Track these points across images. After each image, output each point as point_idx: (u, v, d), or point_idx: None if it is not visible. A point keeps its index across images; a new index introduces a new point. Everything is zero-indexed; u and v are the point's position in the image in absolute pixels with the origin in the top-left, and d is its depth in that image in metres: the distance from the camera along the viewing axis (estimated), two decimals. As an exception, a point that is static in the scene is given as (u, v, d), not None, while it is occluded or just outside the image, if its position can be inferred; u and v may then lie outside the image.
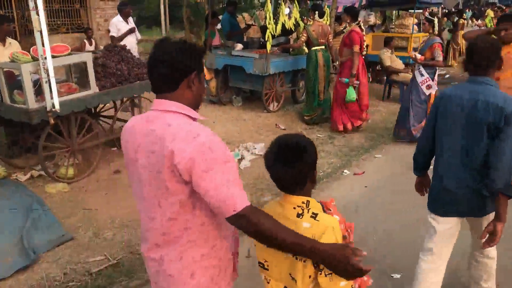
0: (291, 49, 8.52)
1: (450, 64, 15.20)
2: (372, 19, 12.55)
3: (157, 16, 22.46)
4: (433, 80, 6.56)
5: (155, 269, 1.76)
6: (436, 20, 7.21)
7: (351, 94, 6.88)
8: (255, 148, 6.17)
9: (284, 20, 7.62)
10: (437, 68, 6.64)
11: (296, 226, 1.68)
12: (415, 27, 11.76)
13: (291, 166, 1.71)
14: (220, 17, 9.37)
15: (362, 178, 5.50)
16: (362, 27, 7.10)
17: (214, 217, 1.69)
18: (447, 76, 13.44)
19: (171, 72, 1.65)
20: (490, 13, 13.02)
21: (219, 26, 9.15)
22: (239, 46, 8.06)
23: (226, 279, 1.82)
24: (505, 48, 4.15)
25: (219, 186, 1.52)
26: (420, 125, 6.54)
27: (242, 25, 10.86)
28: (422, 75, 6.55)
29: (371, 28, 12.46)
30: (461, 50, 15.32)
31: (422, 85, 6.51)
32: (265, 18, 7.60)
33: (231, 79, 8.19)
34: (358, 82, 6.95)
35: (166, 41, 1.69)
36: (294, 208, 1.76)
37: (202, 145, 1.52)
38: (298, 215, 1.74)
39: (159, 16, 21.91)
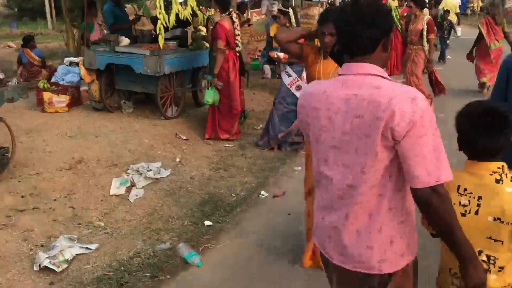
0: (189, 43, 7.33)
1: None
2: (276, 8, 11.69)
3: (41, 7, 20.10)
4: (301, 78, 5.74)
5: (343, 242, 1.70)
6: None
7: (209, 96, 5.99)
8: (150, 170, 4.91)
9: (178, 10, 6.37)
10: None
11: (497, 192, 1.78)
12: (321, 17, 11.13)
13: (499, 132, 1.79)
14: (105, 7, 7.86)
15: (283, 201, 4.51)
16: (234, 19, 6.10)
17: (405, 186, 1.64)
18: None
19: (372, 33, 1.62)
20: (392, 3, 12.81)
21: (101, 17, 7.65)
22: (125, 40, 6.66)
23: (416, 247, 1.78)
24: (325, 64, 3.11)
25: (428, 153, 1.51)
26: (288, 130, 5.78)
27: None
28: (289, 75, 5.77)
29: (275, 18, 11.61)
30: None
31: (291, 87, 5.73)
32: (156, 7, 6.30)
33: (117, 80, 6.77)
34: (222, 84, 6.00)
35: (360, 2, 1.65)
36: (491, 174, 1.82)
37: (421, 109, 1.51)
38: (497, 181, 1.80)
39: (44, 7, 19.61)
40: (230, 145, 6.05)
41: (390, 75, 11.48)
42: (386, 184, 1.62)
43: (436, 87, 7.10)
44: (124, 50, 6.47)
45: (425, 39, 6.82)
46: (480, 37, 8.61)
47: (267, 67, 11.12)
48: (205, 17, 7.42)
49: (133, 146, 5.67)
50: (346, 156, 1.64)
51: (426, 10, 7.02)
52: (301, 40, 3.27)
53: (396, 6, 11.18)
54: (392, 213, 1.65)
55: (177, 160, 5.46)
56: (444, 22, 12.63)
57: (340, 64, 1.81)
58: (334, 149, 1.66)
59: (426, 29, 6.81)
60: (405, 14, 11.05)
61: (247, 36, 10.41)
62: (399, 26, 11.07)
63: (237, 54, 6.28)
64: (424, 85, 7.15)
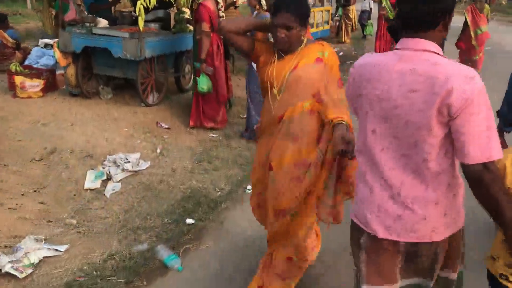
0: (172, 26, 6.96)
1: (343, 40, 14.62)
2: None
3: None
4: None
5: (396, 213, 1.70)
6: None
7: (202, 83, 5.59)
8: (128, 162, 4.58)
9: (160, -11, 5.98)
10: None
11: None
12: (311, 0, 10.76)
13: None
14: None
15: (271, 196, 4.23)
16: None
17: (455, 161, 1.68)
18: (341, 53, 12.78)
19: (435, 10, 1.63)
20: None
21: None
22: (103, 22, 6.25)
23: (463, 216, 1.81)
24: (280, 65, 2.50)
25: (482, 131, 1.54)
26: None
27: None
28: None
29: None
30: (354, 25, 14.81)
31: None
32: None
33: (95, 65, 6.36)
34: (212, 69, 5.63)
35: None
36: None
37: (478, 88, 1.54)
38: None
39: (23, -15, 18.83)
40: (214, 135, 5.72)
41: (379, 62, 11.25)
42: (441, 160, 1.65)
43: None
44: (102, 32, 6.06)
45: None
46: (466, 24, 8.64)
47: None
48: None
49: (111, 135, 5.32)
50: (397, 129, 1.67)
51: None
52: (258, 35, 2.81)
53: (386, -10, 10.86)
54: (447, 187, 1.69)
55: (158, 151, 5.13)
56: None
57: (396, 40, 1.79)
58: (385, 121, 1.69)
59: None
60: None
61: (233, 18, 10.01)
62: (391, 12, 10.77)
63: (221, 37, 5.92)
64: None
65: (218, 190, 4.31)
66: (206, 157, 5.06)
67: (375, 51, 11.08)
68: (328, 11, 11.79)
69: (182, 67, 7.13)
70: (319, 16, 10.78)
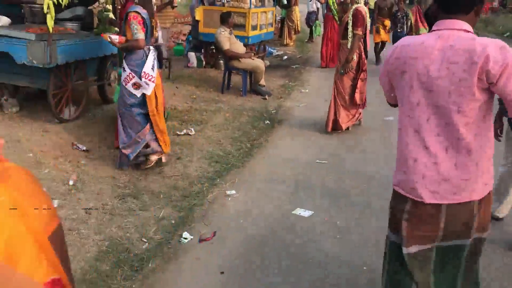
0: (95, 26, 5.90)
1: (285, 43, 13.97)
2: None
3: None
4: (142, 75, 4.27)
5: (441, 178, 1.87)
6: None
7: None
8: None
9: (76, -19, 4.92)
10: (150, 54, 4.32)
11: None
12: (255, 0, 9.96)
13: None
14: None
15: (214, 248, 3.35)
16: None
17: (490, 124, 1.92)
18: (285, 57, 12.11)
19: None
20: None
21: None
22: (3, 19, 5.08)
23: (493, 179, 2.00)
24: None
25: None
26: (133, 140, 4.40)
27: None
28: (124, 70, 4.32)
29: (201, 1, 10.27)
30: (297, 27, 14.19)
31: (125, 84, 4.28)
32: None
33: (-6, 72, 5.19)
34: None
35: None
36: None
37: (511, 54, 1.76)
38: None
39: None
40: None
41: (325, 67, 10.69)
42: (481, 124, 1.86)
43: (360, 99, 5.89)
44: (1, 32, 4.89)
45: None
46: (411, 24, 9.68)
47: (192, 55, 9.80)
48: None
49: (13, 161, 4.21)
50: (440, 99, 1.86)
51: None
52: None
53: (333, -8, 10.28)
54: (484, 149, 1.89)
55: (70, 182, 4.10)
56: (398, 13, 10.38)
57: (431, 26, 2.00)
58: (429, 92, 1.88)
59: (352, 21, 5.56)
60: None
61: (169, 20, 9.01)
62: (336, 14, 10.20)
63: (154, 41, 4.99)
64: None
65: (145, 240, 3.37)
66: (133, 190, 4.10)
67: (322, 56, 10.49)
68: (273, 12, 11.05)
69: (107, 74, 6.09)
70: (263, 17, 10.00)
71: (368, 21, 5.63)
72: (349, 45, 5.58)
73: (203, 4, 9.94)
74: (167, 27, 8.86)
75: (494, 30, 18.78)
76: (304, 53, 12.92)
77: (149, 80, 4.26)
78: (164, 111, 5.35)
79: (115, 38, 4.32)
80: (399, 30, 10.16)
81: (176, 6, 10.13)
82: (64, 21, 5.81)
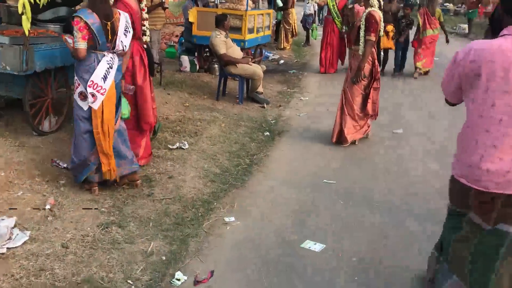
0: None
1: (282, 47, 13.51)
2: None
3: None
4: (91, 87, 3.67)
5: (504, 170, 2.08)
6: None
7: (124, 107, 4.09)
8: (-8, 237, 3.01)
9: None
10: (102, 61, 3.71)
11: None
12: (250, 2, 9.48)
13: None
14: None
15: (211, 289, 2.86)
16: None
17: None
18: (281, 62, 11.65)
19: None
20: None
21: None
22: (-27, 20, 4.57)
23: None
24: None
25: None
26: (82, 161, 3.82)
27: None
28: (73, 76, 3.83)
29: (195, 2, 9.79)
30: (294, 30, 13.73)
31: (74, 93, 3.81)
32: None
33: (-35, 79, 4.66)
34: (132, 88, 4.28)
35: None
36: None
37: None
38: None
39: None
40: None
41: (324, 73, 10.24)
42: None
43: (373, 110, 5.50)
44: (-29, 35, 4.37)
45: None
46: (418, 25, 9.58)
47: (185, 59, 9.29)
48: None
49: (-21, 184, 3.70)
50: None
51: (375, 1, 5.18)
52: None
53: (334, -6, 9.86)
54: None
55: (47, 207, 3.59)
56: (403, 20, 9.48)
57: (495, 31, 2.09)
58: (505, 94, 2.04)
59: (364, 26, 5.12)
60: (347, 4, 9.75)
61: (161, 20, 8.49)
62: (337, 17, 9.77)
63: (145, 46, 4.50)
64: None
65: (131, 283, 2.87)
66: (118, 217, 3.59)
67: (320, 61, 10.04)
68: (269, 14, 10.58)
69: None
70: (259, 20, 9.54)
71: (382, 26, 5.17)
72: (361, 52, 5.12)
73: (197, 5, 9.47)
74: (158, 28, 8.35)
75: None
76: (301, 57, 12.48)
77: (97, 91, 3.66)
78: (155, 123, 4.89)
79: (70, 41, 3.82)
80: (399, 40, 9.40)
81: (167, 7, 9.67)
82: (45, 22, 5.30)
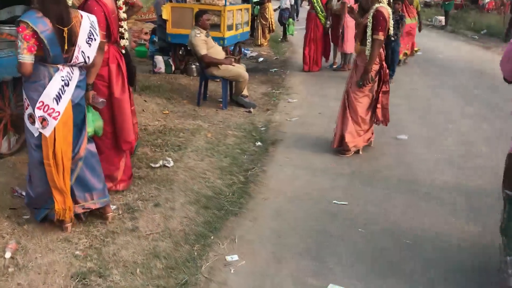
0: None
1: (259, 43, 12.93)
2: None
3: None
4: (41, 109, 2.96)
5: None
6: None
7: (91, 121, 3.38)
8: None
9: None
10: (55, 76, 2.99)
11: None
12: (229, -4, 8.84)
13: None
14: None
15: None
16: None
17: None
18: (261, 59, 11.07)
19: None
20: None
21: None
22: None
23: None
24: None
25: None
26: (37, 196, 3.21)
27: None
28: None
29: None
30: (271, 26, 13.15)
31: (24, 114, 3.11)
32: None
33: None
34: (103, 101, 3.47)
35: None
36: None
37: None
38: None
39: None
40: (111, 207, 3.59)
41: (308, 71, 9.69)
42: None
43: (382, 116, 5.01)
44: None
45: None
46: None
47: (159, 59, 8.59)
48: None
49: None
50: None
51: None
52: None
53: (316, -12, 9.30)
54: None
55: (7, 255, 2.91)
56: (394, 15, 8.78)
57: None
58: None
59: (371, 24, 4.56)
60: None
61: (130, 18, 7.76)
62: (320, 12, 9.24)
63: (123, 51, 3.83)
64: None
65: None
66: (96, 263, 2.95)
67: (304, 58, 9.49)
68: (248, 9, 9.97)
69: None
70: (238, 16, 8.91)
71: (392, 23, 4.63)
72: (368, 52, 4.58)
73: (170, 1, 8.76)
74: (129, 26, 7.62)
75: (466, 27, 18.35)
76: (280, 54, 11.92)
77: (48, 114, 2.95)
78: (136, 140, 4.22)
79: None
80: (392, 38, 8.60)
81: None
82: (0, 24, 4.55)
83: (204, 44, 6.42)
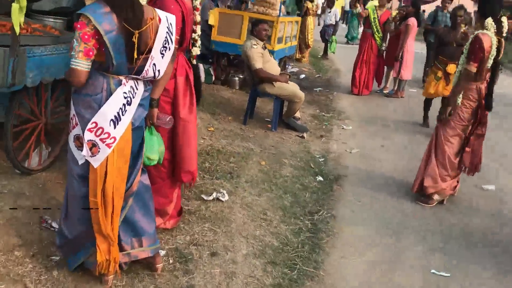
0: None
1: (296, 57, 12.21)
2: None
3: None
4: (93, 132, 2.29)
5: None
6: None
7: (150, 148, 2.70)
8: None
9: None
10: (118, 91, 2.33)
11: None
12: (283, 7, 8.19)
13: None
14: None
15: None
16: None
17: None
18: (303, 76, 10.36)
19: None
20: (371, 3, 10.40)
21: None
22: None
23: None
24: None
25: None
26: (73, 239, 2.52)
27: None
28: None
29: (215, 2, 8.46)
30: (307, 41, 12.42)
31: (70, 133, 2.44)
32: None
33: None
34: (170, 119, 2.82)
35: None
36: None
37: None
38: None
39: None
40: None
41: (358, 94, 8.97)
42: None
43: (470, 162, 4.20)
44: None
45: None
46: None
47: (200, 67, 7.93)
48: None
49: None
50: None
51: (490, 22, 3.85)
52: None
53: (376, 7, 8.61)
54: None
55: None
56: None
57: None
58: None
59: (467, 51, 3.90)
60: (390, 18, 8.51)
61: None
62: (377, 32, 8.52)
63: (193, 61, 3.18)
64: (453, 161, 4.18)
65: None
66: None
67: (354, 80, 8.77)
68: (298, 22, 9.31)
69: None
70: (288, 28, 8.25)
71: (493, 54, 3.88)
72: (453, 84, 3.89)
73: (217, 6, 8.14)
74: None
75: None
76: (322, 72, 11.20)
77: (101, 140, 2.26)
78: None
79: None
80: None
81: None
82: (42, 15, 3.91)
83: (261, 57, 5.74)
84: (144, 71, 2.32)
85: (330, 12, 12.78)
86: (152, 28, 2.31)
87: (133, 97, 2.34)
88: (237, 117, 6.23)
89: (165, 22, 2.36)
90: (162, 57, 2.38)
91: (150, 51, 2.31)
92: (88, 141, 2.26)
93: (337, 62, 12.55)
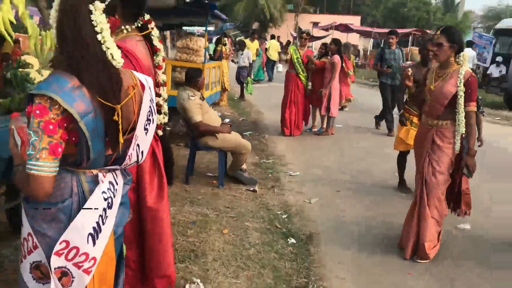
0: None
1: (217, 101, 11.78)
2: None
3: None
4: (62, 256, 1.59)
5: None
6: None
7: None
8: None
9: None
10: (96, 192, 1.68)
11: None
12: (207, 53, 7.74)
13: None
14: None
15: None
16: (155, 40, 2.49)
17: None
18: (227, 120, 9.90)
19: None
20: (291, 47, 10.34)
21: None
22: None
23: None
24: None
25: None
26: None
27: None
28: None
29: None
30: (224, 85, 12.05)
31: (21, 262, 1.68)
32: None
33: None
34: (130, 216, 2.03)
35: None
36: None
37: None
38: None
39: None
40: None
41: (290, 135, 8.71)
42: None
43: (461, 203, 3.84)
44: None
45: (461, 110, 3.59)
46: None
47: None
48: (40, 35, 3.37)
49: None
50: None
51: (466, 54, 3.60)
52: None
53: (297, 47, 8.53)
54: None
55: None
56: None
57: None
58: None
59: (463, 93, 3.58)
60: (311, 58, 8.42)
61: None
62: (302, 72, 8.41)
63: (159, 132, 2.56)
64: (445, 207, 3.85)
65: None
66: None
67: (285, 122, 8.52)
68: (219, 67, 8.93)
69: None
70: (213, 74, 7.82)
71: (463, 97, 3.67)
72: (461, 129, 3.58)
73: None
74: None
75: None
76: (245, 114, 10.87)
77: (75, 265, 1.56)
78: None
79: (18, 139, 1.62)
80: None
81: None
82: None
83: (199, 108, 5.19)
84: (126, 157, 1.68)
85: (242, 54, 12.65)
86: (135, 98, 1.69)
87: (114, 196, 1.67)
88: (176, 175, 5.54)
89: (148, 89, 1.76)
90: (146, 133, 1.77)
91: (133, 129, 1.69)
92: (56, 269, 1.53)
93: (255, 103, 12.33)
